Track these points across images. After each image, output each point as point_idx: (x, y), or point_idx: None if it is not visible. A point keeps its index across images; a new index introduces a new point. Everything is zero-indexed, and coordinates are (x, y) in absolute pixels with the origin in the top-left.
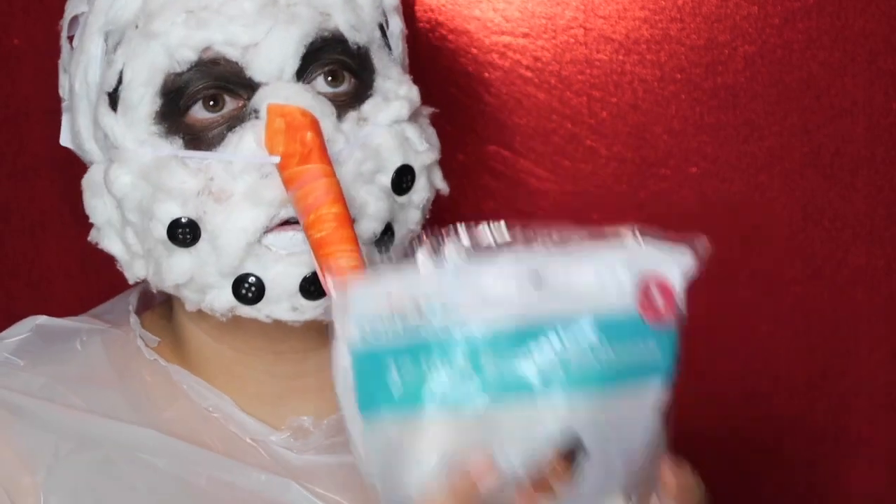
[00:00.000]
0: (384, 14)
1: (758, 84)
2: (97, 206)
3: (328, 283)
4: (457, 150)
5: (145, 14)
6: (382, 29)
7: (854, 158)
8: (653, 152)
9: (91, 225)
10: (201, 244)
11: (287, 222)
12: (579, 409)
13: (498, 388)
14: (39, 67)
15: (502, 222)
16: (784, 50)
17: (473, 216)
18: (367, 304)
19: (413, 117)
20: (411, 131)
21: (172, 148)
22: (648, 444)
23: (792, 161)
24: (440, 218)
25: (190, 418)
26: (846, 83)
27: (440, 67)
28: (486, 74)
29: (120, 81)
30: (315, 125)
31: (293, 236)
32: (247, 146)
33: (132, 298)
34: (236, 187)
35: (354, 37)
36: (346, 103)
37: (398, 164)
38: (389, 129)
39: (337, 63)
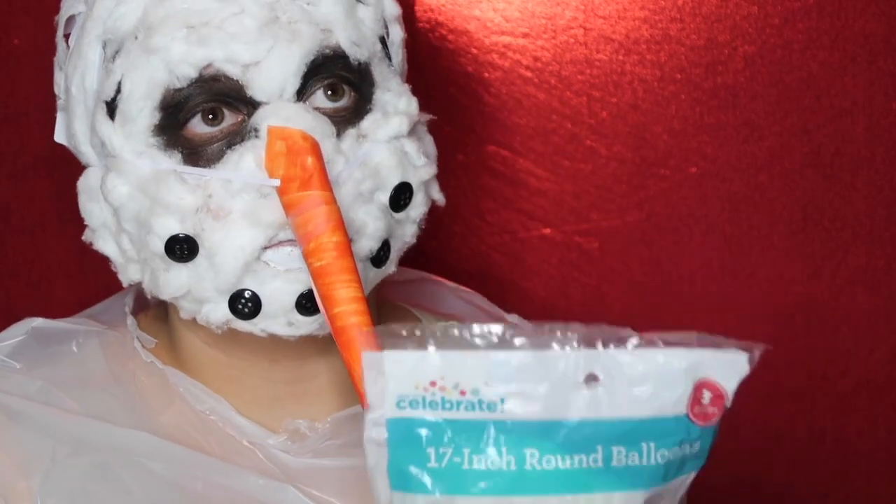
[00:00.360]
0: (385, 25)
1: (758, 84)
2: (93, 210)
3: (364, 357)
4: (457, 150)
5: (145, 26)
6: (383, 40)
7: (854, 158)
8: (653, 152)
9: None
10: (199, 259)
11: (286, 240)
12: None
13: (538, 483)
14: (39, 67)
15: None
16: (784, 50)
17: (474, 216)
18: (405, 376)
19: (412, 129)
20: (410, 146)
21: (171, 162)
22: None
23: (792, 161)
24: (440, 219)
25: (186, 421)
26: (846, 83)
27: (440, 67)
28: (486, 74)
29: (118, 91)
30: (316, 149)
31: (290, 252)
32: (246, 166)
33: (128, 299)
34: (235, 205)
35: (355, 53)
36: (346, 119)
37: (397, 181)
38: (388, 145)
39: (337, 78)
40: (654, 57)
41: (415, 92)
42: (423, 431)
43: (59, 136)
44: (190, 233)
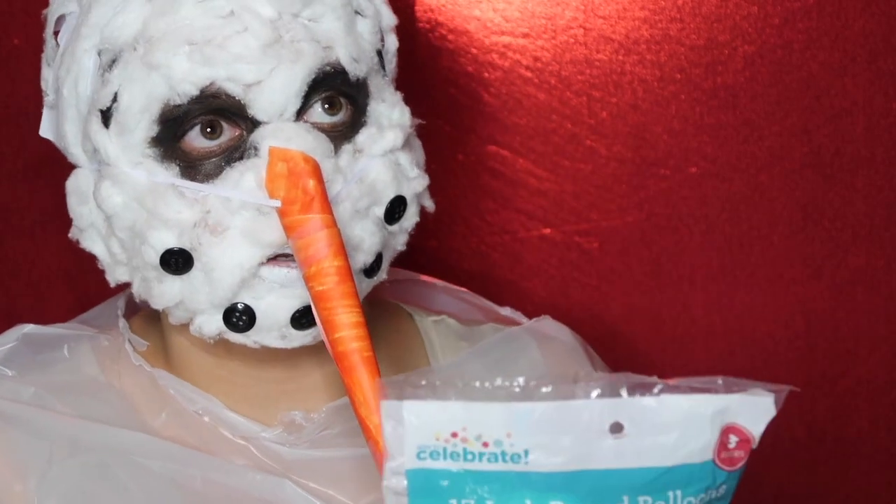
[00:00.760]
0: (382, 37)
1: (758, 84)
2: (82, 212)
3: (382, 406)
4: (457, 150)
5: (145, 39)
6: (379, 51)
7: (854, 158)
8: (653, 152)
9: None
10: (194, 272)
11: (282, 255)
12: None
13: None
14: (39, 67)
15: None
16: (784, 50)
17: (474, 216)
18: (425, 426)
19: (405, 140)
20: (404, 158)
21: (168, 175)
22: None
23: (792, 161)
24: (440, 219)
25: (178, 424)
26: (846, 83)
27: (440, 67)
28: (486, 74)
29: (114, 101)
30: (317, 172)
31: (288, 273)
32: (247, 185)
33: (120, 303)
34: (233, 222)
35: (355, 69)
36: (342, 134)
37: (392, 196)
38: (384, 160)
39: (336, 93)
40: (654, 57)
41: (413, 93)
42: (445, 483)
43: (45, 132)
44: (186, 247)
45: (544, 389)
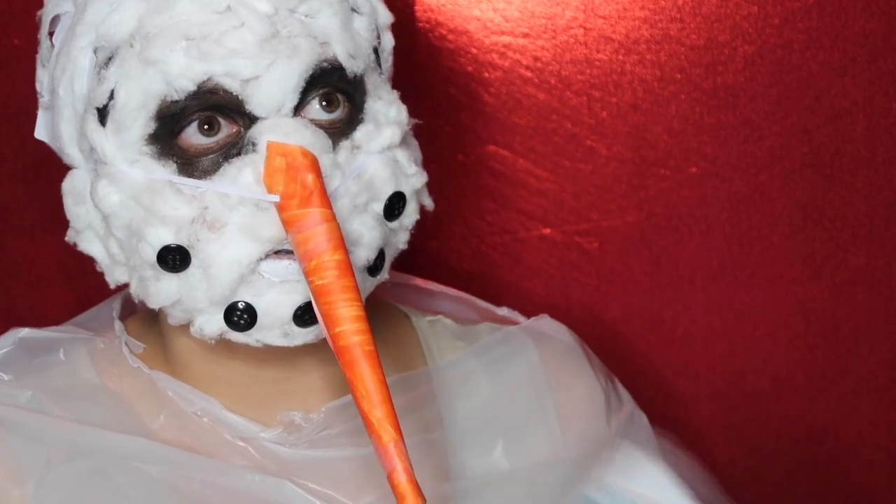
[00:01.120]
0: (378, 34)
1: (758, 84)
2: (79, 213)
3: None
4: (457, 150)
5: (141, 35)
6: (375, 48)
7: (854, 158)
8: (653, 152)
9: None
10: (191, 269)
11: (282, 251)
12: None
13: None
14: None
15: None
16: (784, 50)
17: (474, 216)
18: None
19: (402, 138)
20: (402, 155)
21: (166, 171)
22: None
23: (792, 161)
24: (440, 219)
25: (177, 426)
26: (846, 83)
27: (440, 67)
28: (486, 74)
29: (111, 98)
30: (315, 166)
31: (289, 265)
32: (245, 180)
33: (116, 304)
34: (231, 218)
35: (352, 65)
36: (340, 130)
37: (391, 192)
38: (381, 156)
39: (333, 89)
40: (654, 57)
41: (413, 93)
42: None
43: (41, 134)
44: (184, 244)
45: None
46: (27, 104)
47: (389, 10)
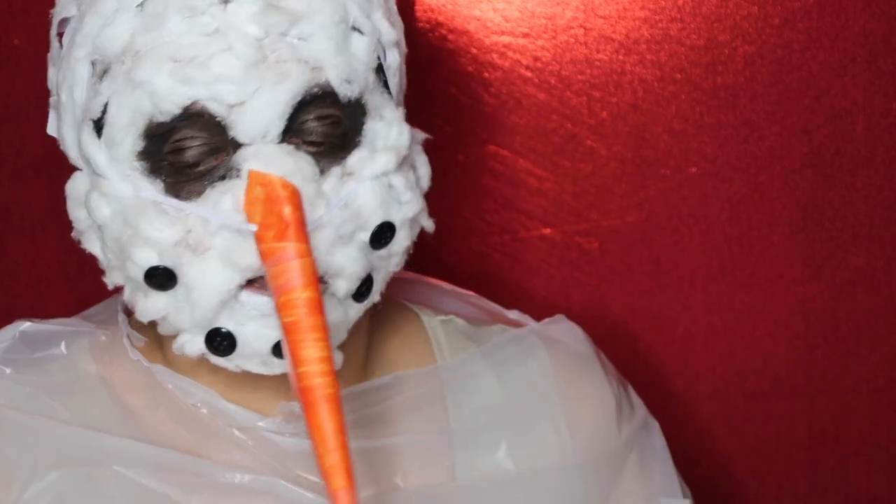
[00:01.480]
0: (383, 51)
1: (758, 84)
2: (80, 216)
3: None
4: (457, 150)
5: (132, 53)
6: (380, 65)
7: (854, 158)
8: (653, 152)
9: None
10: (178, 289)
11: (263, 278)
12: None
13: None
14: (39, 67)
15: None
16: (784, 50)
17: (474, 216)
18: None
19: (404, 157)
20: (398, 180)
21: (153, 189)
22: None
23: (792, 161)
24: (440, 219)
25: (175, 418)
26: (846, 83)
27: (440, 67)
28: (486, 74)
29: (104, 112)
30: (294, 198)
31: (269, 301)
32: (225, 207)
33: (122, 298)
34: (213, 242)
35: (346, 90)
36: (331, 153)
37: (378, 221)
38: (373, 183)
39: (324, 114)
40: (654, 57)
41: (413, 93)
42: None
43: (52, 130)
44: (169, 265)
45: None
46: (27, 104)
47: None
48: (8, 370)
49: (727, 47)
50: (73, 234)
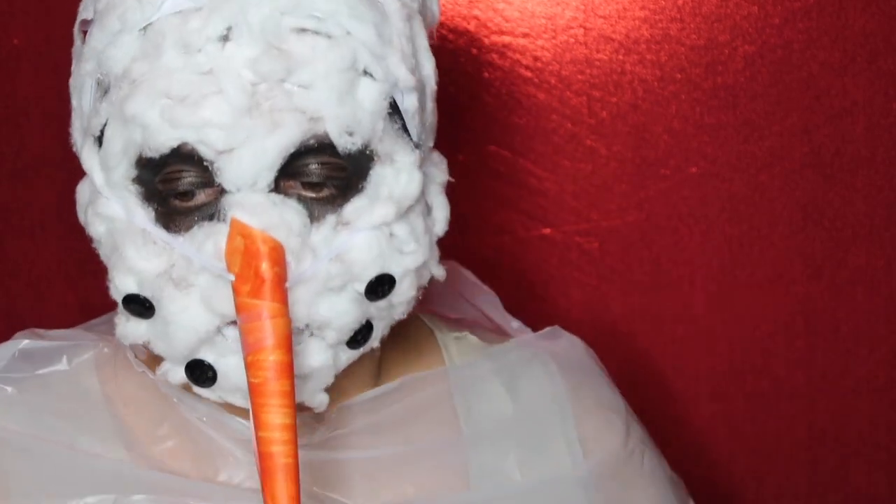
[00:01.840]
0: (401, 94)
1: (758, 84)
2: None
3: None
4: (457, 151)
5: (129, 80)
6: (395, 106)
7: (854, 158)
8: (653, 152)
9: None
10: (157, 319)
11: None
12: None
13: None
14: (39, 67)
15: None
16: (784, 50)
17: (474, 216)
18: None
19: (416, 201)
20: (401, 229)
21: (145, 217)
22: None
23: (792, 161)
24: None
25: (180, 432)
26: (846, 83)
27: (440, 67)
28: (486, 74)
29: (102, 132)
30: (274, 254)
31: None
32: (207, 250)
33: None
34: (195, 280)
35: (346, 143)
36: (329, 202)
37: (374, 274)
38: (371, 233)
39: (319, 167)
40: (654, 57)
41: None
42: None
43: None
44: (148, 295)
45: None
46: (27, 104)
47: None
48: (9, 389)
49: (727, 47)
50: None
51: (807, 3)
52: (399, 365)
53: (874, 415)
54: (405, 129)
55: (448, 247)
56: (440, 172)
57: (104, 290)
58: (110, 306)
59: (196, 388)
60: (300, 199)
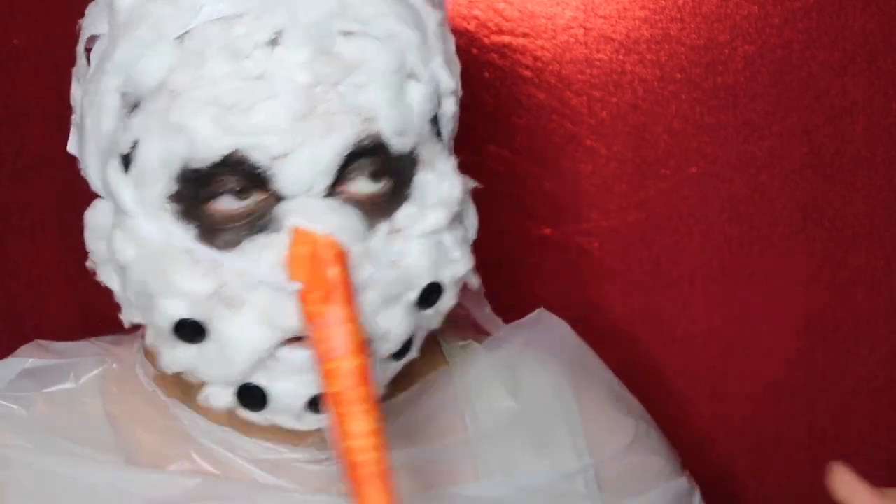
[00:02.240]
0: (439, 101)
1: (758, 84)
2: (99, 248)
3: None
4: (457, 150)
5: (168, 91)
6: (435, 116)
7: (854, 158)
8: (653, 152)
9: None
10: (209, 343)
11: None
12: None
13: None
14: (39, 67)
15: None
16: (784, 50)
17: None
18: None
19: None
20: (449, 238)
21: (186, 237)
22: None
23: (792, 161)
24: None
25: (192, 455)
26: (846, 83)
27: None
28: (486, 74)
29: (134, 147)
30: (342, 259)
31: (307, 358)
32: (267, 262)
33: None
34: (250, 298)
35: (398, 143)
36: (381, 208)
37: (427, 282)
38: (423, 241)
39: (374, 167)
40: (654, 57)
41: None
42: None
43: (72, 148)
44: (199, 318)
45: None
46: (27, 104)
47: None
48: (15, 407)
49: (727, 47)
50: (87, 264)
51: (807, 3)
52: (405, 374)
53: (874, 415)
54: (439, 134)
55: None
56: (465, 178)
57: (104, 291)
58: (110, 307)
59: (242, 412)
60: (353, 207)
